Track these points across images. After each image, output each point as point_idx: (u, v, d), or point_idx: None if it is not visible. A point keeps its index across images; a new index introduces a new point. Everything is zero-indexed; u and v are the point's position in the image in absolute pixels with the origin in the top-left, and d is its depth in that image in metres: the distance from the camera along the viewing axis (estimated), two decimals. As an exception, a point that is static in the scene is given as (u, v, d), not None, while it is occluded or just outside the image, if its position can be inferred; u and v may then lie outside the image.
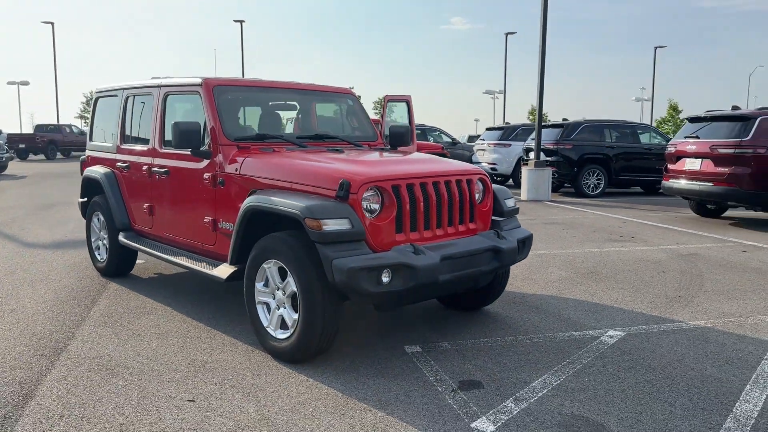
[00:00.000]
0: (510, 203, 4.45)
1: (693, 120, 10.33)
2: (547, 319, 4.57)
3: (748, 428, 2.90)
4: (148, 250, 5.02)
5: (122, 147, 5.48)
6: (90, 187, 6.02)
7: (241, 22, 39.91)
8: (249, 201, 3.82)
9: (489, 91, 63.29)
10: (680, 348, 3.98)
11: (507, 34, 40.76)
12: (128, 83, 5.57)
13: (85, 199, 6.16)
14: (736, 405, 3.15)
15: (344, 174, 3.58)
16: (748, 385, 3.39)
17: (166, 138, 4.93)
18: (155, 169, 4.93)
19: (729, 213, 11.03)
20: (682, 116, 48.13)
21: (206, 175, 4.39)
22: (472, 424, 2.92)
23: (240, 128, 4.58)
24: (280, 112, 5.15)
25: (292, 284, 3.57)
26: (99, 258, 5.93)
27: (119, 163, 5.47)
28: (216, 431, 2.85)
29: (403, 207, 3.66)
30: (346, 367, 3.62)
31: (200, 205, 4.49)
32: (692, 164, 9.74)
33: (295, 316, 3.60)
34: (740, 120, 9.29)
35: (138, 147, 5.26)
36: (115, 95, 5.71)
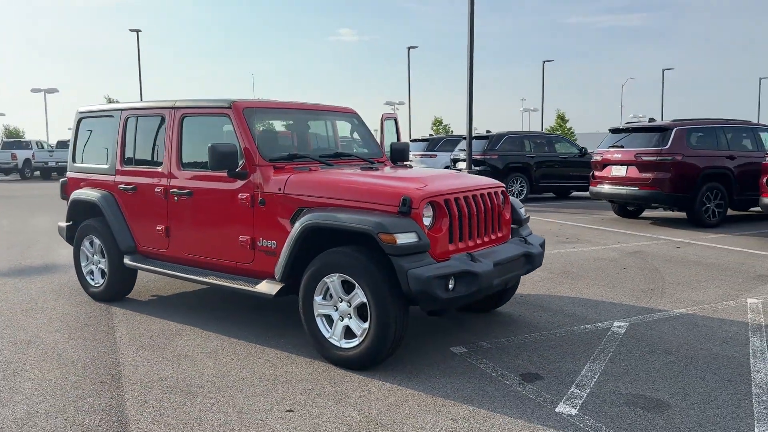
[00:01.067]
0: (523, 212, 4.91)
1: (614, 131, 11.44)
2: (557, 316, 5.07)
3: (771, 392, 3.51)
4: (168, 272, 5.00)
5: (124, 169, 5.40)
6: (79, 210, 5.84)
7: (138, 31, 38.39)
8: (307, 219, 4.00)
9: (390, 102, 64.40)
10: (680, 333, 4.61)
11: (409, 48, 42.05)
12: (128, 104, 5.50)
13: (70, 222, 5.96)
14: (752, 375, 3.77)
15: (404, 191, 3.87)
16: (750, 359, 4.04)
17: (183, 159, 4.96)
18: (174, 190, 4.94)
19: (645, 214, 12.27)
20: (569, 125, 51.78)
21: (242, 196, 4.49)
22: (556, 409, 3.31)
23: (272, 148, 4.72)
24: (299, 131, 5.30)
25: (360, 295, 3.80)
26: (93, 283, 5.76)
27: (121, 185, 5.38)
28: (335, 436, 3.05)
29: (453, 219, 4.01)
30: (411, 370, 3.90)
31: (235, 224, 4.57)
32: (618, 171, 10.79)
33: (365, 325, 3.83)
34: (658, 130, 10.45)
35: (147, 168, 5.22)
36: (110, 116, 5.61)
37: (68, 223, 5.98)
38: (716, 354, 4.15)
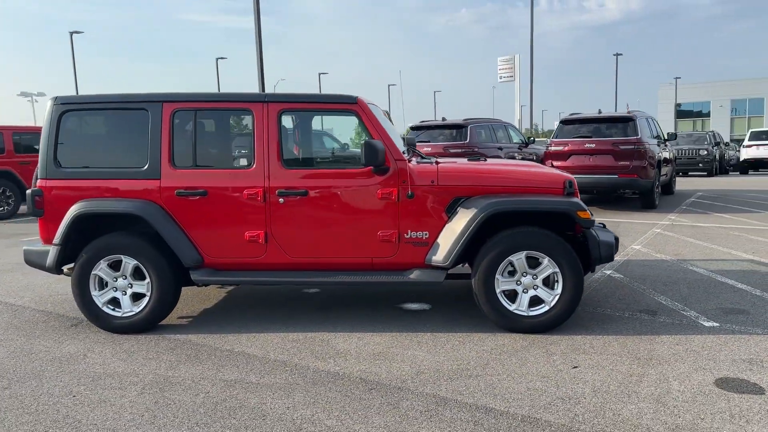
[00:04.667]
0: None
1: (414, 128, 13.20)
2: (564, 274, 6.33)
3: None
4: (281, 279, 4.61)
5: (178, 171, 4.62)
6: (90, 226, 4.69)
7: None
8: (488, 206, 4.39)
9: (25, 93, 56.00)
10: (656, 271, 6.35)
11: (72, 33, 37.36)
12: (174, 93, 4.65)
13: (61, 244, 4.70)
14: (737, 286, 5.67)
15: (564, 176, 4.63)
16: (718, 278, 5.98)
17: (285, 157, 4.61)
18: (281, 191, 4.56)
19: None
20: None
21: (384, 190, 4.53)
22: (706, 325, 4.60)
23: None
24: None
25: (550, 267, 4.43)
26: (117, 313, 4.71)
27: (180, 190, 4.60)
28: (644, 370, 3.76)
29: (576, 199, 4.94)
30: (573, 324, 4.68)
31: (373, 219, 4.57)
32: (427, 162, 12.56)
33: (556, 291, 4.46)
34: (456, 127, 12.56)
35: (225, 169, 4.63)
36: (138, 108, 4.66)
37: (58, 246, 4.69)
38: (699, 279, 5.98)
